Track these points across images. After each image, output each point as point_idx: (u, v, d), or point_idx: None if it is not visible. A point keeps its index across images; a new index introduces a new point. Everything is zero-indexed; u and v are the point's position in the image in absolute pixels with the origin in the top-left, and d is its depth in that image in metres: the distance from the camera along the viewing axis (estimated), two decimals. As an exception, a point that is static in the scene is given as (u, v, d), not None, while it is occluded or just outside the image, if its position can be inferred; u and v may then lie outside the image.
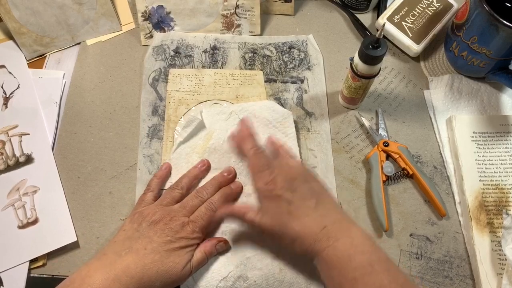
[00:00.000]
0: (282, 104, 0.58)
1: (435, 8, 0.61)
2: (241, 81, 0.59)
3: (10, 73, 0.60)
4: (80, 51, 0.63)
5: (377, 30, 0.59)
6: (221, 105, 0.57)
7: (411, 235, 0.51)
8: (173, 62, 0.61)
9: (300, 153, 0.55)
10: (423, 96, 0.60)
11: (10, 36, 0.61)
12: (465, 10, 0.53)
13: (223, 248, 0.47)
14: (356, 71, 0.50)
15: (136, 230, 0.44)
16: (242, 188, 0.51)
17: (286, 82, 0.60)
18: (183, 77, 0.59)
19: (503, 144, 0.55)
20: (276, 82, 0.60)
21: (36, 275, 0.48)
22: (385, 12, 0.62)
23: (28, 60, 0.61)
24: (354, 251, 0.37)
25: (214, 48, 0.62)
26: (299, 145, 0.55)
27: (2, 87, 0.59)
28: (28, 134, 0.56)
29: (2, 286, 0.48)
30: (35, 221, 0.50)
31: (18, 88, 0.59)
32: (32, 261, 0.49)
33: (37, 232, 0.50)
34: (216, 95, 0.58)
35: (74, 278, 0.40)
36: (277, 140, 0.48)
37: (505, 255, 0.47)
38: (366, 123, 0.57)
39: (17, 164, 0.54)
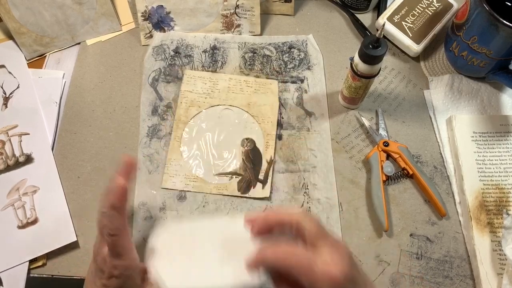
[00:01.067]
0: (282, 104, 0.58)
1: (435, 8, 0.61)
2: (255, 88, 0.58)
3: (10, 73, 0.60)
4: (80, 51, 0.63)
5: (377, 30, 0.59)
6: (232, 110, 0.57)
7: (411, 235, 0.51)
8: (173, 62, 0.61)
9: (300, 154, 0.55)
10: (423, 96, 0.60)
11: (10, 36, 0.61)
12: (465, 10, 0.53)
13: None
14: (356, 71, 0.50)
15: None
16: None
17: (286, 82, 0.60)
18: (197, 79, 0.59)
19: (503, 144, 0.55)
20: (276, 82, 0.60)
21: (36, 275, 0.48)
22: (385, 12, 0.62)
23: (28, 60, 0.61)
24: None
25: (214, 48, 0.62)
26: (299, 146, 0.55)
27: (2, 87, 0.59)
28: (28, 134, 0.56)
29: (2, 286, 0.47)
30: (34, 221, 0.50)
31: (18, 88, 0.59)
32: (32, 261, 0.49)
33: (37, 232, 0.50)
34: (228, 100, 0.58)
35: None
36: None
37: (505, 255, 0.47)
38: (366, 123, 0.56)
39: (17, 164, 0.54)
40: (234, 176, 0.54)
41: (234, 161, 0.54)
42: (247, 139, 0.55)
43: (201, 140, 0.55)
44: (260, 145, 0.55)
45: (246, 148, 0.55)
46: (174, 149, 0.54)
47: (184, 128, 0.55)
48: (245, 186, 0.53)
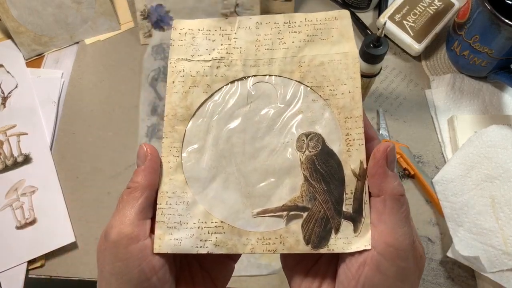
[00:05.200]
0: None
1: (436, 7, 0.61)
2: (308, 33, 0.30)
3: (8, 72, 0.59)
4: (79, 51, 0.62)
5: (378, 29, 0.58)
6: (269, 83, 0.30)
7: (412, 235, 0.51)
8: (172, 61, 0.60)
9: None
10: (424, 95, 0.59)
11: (8, 35, 0.61)
12: (467, 9, 0.53)
13: None
14: (357, 70, 0.50)
15: None
16: None
17: (287, 82, 0.59)
18: (198, 34, 0.31)
19: (505, 144, 0.54)
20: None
21: (34, 276, 0.48)
22: (386, 11, 0.61)
23: (26, 60, 0.61)
24: None
25: (213, 47, 0.61)
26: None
27: (0, 87, 0.58)
28: (27, 134, 0.55)
29: (1, 287, 0.47)
30: (33, 222, 0.50)
31: (16, 87, 0.58)
32: (30, 262, 0.48)
33: (36, 233, 0.49)
34: (261, 65, 0.30)
35: None
36: None
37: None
38: (367, 123, 0.56)
39: (15, 164, 0.53)
40: (293, 214, 0.28)
41: (288, 183, 0.28)
42: (307, 134, 0.29)
43: (221, 149, 0.29)
44: (334, 143, 0.28)
45: (308, 152, 0.28)
46: (169, 172, 0.28)
47: (185, 129, 0.29)
48: (319, 231, 0.27)
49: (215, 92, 0.30)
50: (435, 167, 0.54)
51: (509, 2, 0.56)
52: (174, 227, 0.27)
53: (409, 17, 0.60)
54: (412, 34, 0.60)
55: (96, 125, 0.57)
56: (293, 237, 0.27)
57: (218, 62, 0.31)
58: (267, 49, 0.30)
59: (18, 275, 0.48)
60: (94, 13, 0.61)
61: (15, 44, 0.60)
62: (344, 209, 0.27)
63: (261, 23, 0.31)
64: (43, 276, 0.48)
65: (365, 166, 0.27)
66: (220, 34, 0.31)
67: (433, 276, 0.49)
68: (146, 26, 0.62)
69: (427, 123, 0.57)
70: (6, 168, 0.53)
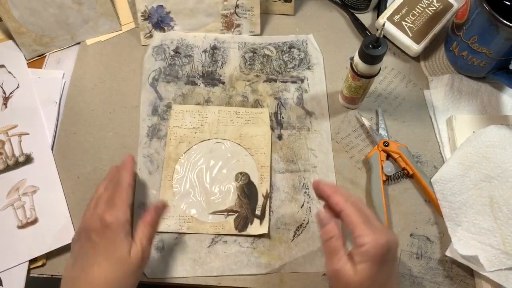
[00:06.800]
0: (282, 104, 0.58)
1: (435, 8, 0.61)
2: (246, 119, 0.57)
3: (9, 72, 0.60)
4: (80, 51, 0.63)
5: (377, 29, 0.59)
6: (223, 144, 0.55)
7: (411, 235, 0.51)
8: (173, 62, 0.61)
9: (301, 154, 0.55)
10: (423, 96, 0.60)
11: (9, 36, 0.61)
12: (465, 9, 0.53)
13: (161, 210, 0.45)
14: (356, 70, 0.50)
15: None
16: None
17: (286, 82, 0.60)
18: (185, 113, 0.57)
19: (503, 144, 0.54)
20: (276, 82, 0.60)
21: (35, 275, 0.48)
22: (385, 12, 0.61)
23: (27, 60, 0.61)
24: None
25: (214, 48, 0.62)
26: (299, 146, 0.55)
27: (1, 87, 0.59)
28: (28, 134, 0.56)
29: (2, 286, 0.47)
30: (34, 221, 0.50)
31: (17, 88, 0.59)
32: (32, 261, 0.49)
33: (37, 232, 0.50)
34: (219, 133, 0.56)
35: None
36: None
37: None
38: (366, 123, 0.56)
39: (17, 164, 0.54)
40: (230, 214, 0.51)
41: (229, 197, 0.52)
42: (241, 173, 0.53)
43: (194, 177, 0.53)
44: (255, 178, 0.53)
45: (240, 182, 0.53)
46: (166, 189, 0.52)
47: (175, 166, 0.53)
48: (242, 223, 0.51)
49: (193, 145, 0.55)
50: (434, 167, 0.55)
51: (508, 3, 0.56)
52: (167, 217, 0.51)
53: (408, 18, 0.61)
54: (411, 35, 0.60)
55: (97, 125, 0.57)
56: (229, 225, 0.51)
57: (195, 129, 0.56)
58: (224, 125, 0.57)
59: (20, 274, 0.48)
60: (95, 14, 0.62)
61: (17, 44, 0.61)
62: (256, 212, 0.51)
63: (221, 111, 0.57)
64: (44, 275, 0.48)
65: (268, 191, 0.52)
66: (198, 114, 0.57)
67: (432, 275, 0.49)
68: (147, 27, 0.62)
69: (426, 123, 0.58)
70: (8, 168, 0.53)
